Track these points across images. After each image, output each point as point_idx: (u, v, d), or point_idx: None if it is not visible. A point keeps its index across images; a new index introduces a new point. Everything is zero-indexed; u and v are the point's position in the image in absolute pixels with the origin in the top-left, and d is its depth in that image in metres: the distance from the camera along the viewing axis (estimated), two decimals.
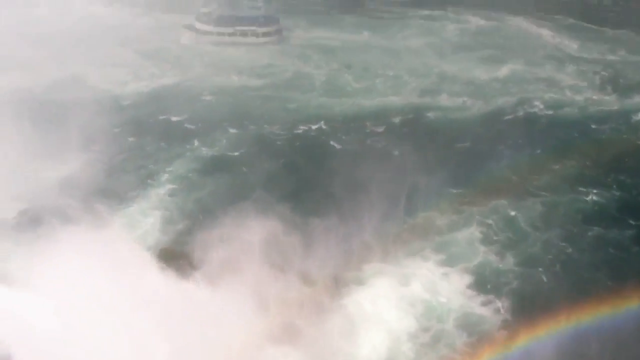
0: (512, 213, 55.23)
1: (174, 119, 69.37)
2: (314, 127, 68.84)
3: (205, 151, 64.17)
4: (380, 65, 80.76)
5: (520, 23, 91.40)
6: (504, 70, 79.91)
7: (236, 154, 64.31)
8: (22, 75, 72.62)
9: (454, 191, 58.64)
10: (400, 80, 77.64)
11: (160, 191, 57.70)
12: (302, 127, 68.87)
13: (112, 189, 56.81)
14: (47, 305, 37.63)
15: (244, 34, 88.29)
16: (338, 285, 48.72)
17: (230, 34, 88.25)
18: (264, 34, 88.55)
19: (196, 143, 65.31)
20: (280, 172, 60.92)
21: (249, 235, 49.41)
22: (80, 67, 76.11)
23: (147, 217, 54.36)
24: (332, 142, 66.88)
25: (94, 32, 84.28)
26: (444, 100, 73.86)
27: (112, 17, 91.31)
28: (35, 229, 48.84)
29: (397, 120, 69.86)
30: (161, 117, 69.22)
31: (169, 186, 58.48)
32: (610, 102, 72.86)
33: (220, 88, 75.88)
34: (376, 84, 76.89)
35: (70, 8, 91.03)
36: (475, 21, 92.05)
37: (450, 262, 49.50)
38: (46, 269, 40.47)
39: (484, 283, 47.81)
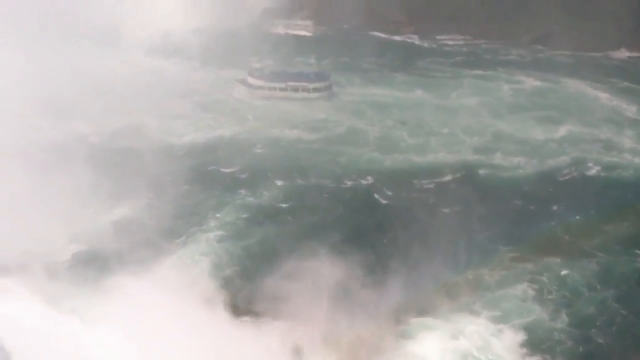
0: (566, 272, 54.53)
1: (226, 169, 71.08)
2: (363, 181, 69.56)
3: (255, 201, 65.45)
4: (435, 123, 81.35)
5: (575, 85, 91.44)
6: (560, 131, 79.68)
7: (284, 205, 65.36)
8: (85, 123, 75.96)
9: (505, 248, 58.30)
10: (454, 138, 78.20)
11: (210, 237, 59.07)
12: (351, 181, 69.58)
13: (165, 233, 58.41)
14: (118, 338, 38.49)
15: (295, 89, 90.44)
16: (387, 339, 48.45)
17: (281, 89, 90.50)
18: (315, 90, 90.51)
19: (246, 192, 66.71)
20: (328, 224, 61.61)
21: (294, 284, 50.13)
22: (140, 117, 79.01)
23: (197, 262, 55.67)
24: (381, 197, 67.43)
25: (155, 84, 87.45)
26: (499, 159, 73.91)
27: (171, 70, 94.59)
28: (91, 269, 50.26)
29: (449, 177, 70.19)
30: (214, 167, 71.08)
31: (219, 233, 59.79)
32: None
33: (274, 140, 77.64)
34: (430, 141, 77.38)
35: (133, 61, 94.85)
36: (530, 82, 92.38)
37: (502, 318, 48.89)
38: (107, 306, 41.48)
39: (538, 342, 46.94)
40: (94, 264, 52.28)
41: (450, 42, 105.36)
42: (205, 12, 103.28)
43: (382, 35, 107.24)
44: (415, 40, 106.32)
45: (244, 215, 62.64)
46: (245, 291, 51.84)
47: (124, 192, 61.49)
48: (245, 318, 46.28)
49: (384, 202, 66.61)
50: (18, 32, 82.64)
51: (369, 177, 70.10)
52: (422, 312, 50.78)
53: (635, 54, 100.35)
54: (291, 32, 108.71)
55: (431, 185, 68.74)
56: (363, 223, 62.41)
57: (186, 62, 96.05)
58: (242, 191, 66.72)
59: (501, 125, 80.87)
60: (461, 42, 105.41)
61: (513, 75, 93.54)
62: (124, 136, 74.25)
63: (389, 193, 67.84)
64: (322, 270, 52.17)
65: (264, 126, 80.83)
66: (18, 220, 54.20)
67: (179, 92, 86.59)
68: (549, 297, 51.65)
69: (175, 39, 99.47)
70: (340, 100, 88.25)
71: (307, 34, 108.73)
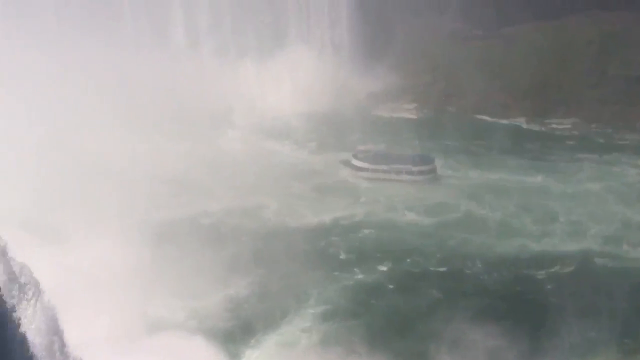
0: None
1: (336, 250, 71.92)
2: (471, 266, 68.39)
3: (362, 280, 65.76)
4: (558, 209, 79.03)
5: None
6: None
7: (391, 286, 65.30)
8: (205, 200, 78.91)
9: (626, 341, 55.68)
10: (578, 226, 75.56)
11: (317, 315, 59.54)
12: (459, 265, 68.51)
13: (271, 311, 59.37)
14: None
15: (398, 171, 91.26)
16: None
17: (384, 171, 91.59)
18: (419, 172, 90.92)
19: (354, 273, 67.19)
20: (432, 308, 60.76)
21: None
22: (259, 197, 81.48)
23: (303, 339, 56.05)
24: (488, 284, 65.82)
25: (266, 165, 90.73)
26: (627, 249, 70.91)
27: (279, 152, 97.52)
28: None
29: (570, 267, 67.79)
30: (324, 248, 72.13)
31: (325, 311, 60.28)
32: None
33: (385, 222, 77.82)
34: (552, 228, 75.14)
35: (245, 142, 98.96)
36: None
37: None
38: None
39: None
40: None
41: (559, 126, 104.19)
42: (311, 97, 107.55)
43: (488, 118, 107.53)
44: (523, 123, 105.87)
45: (351, 295, 62.97)
46: None
47: (236, 270, 63.40)
48: None
49: (491, 288, 64.86)
50: (145, 118, 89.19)
51: (477, 262, 68.80)
52: None
53: None
54: (395, 115, 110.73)
55: (545, 275, 66.59)
56: (466, 309, 60.21)
57: (293, 144, 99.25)
58: (351, 271, 67.33)
59: (630, 213, 77.81)
60: (570, 126, 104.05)
61: (635, 159, 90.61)
62: (241, 214, 76.80)
63: (497, 279, 66.19)
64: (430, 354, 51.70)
65: (377, 208, 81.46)
66: (130, 293, 56.54)
67: (289, 173, 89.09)
68: None
69: (283, 122, 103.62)
70: (450, 184, 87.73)
71: (412, 116, 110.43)
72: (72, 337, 28.94)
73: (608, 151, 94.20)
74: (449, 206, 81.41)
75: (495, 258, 69.73)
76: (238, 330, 55.75)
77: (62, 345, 26.88)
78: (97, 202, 69.84)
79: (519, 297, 63.63)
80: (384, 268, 68.25)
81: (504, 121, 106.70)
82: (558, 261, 68.66)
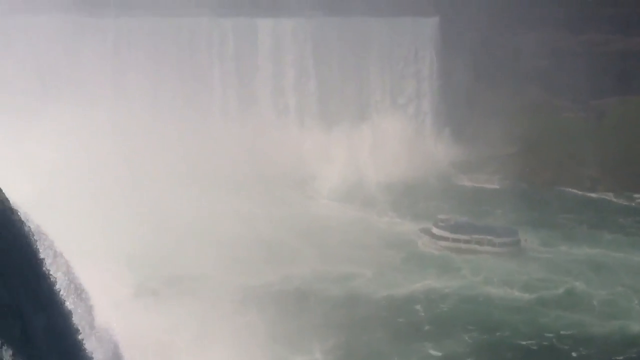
0: None
1: (421, 319, 71.24)
2: (564, 346, 65.87)
3: (447, 352, 64.74)
4: None
5: None
6: None
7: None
8: (289, 266, 79.54)
9: None
10: None
11: None
12: (549, 342, 66.27)
13: None
14: None
15: (479, 242, 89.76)
16: None
17: (465, 241, 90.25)
18: (501, 244, 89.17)
19: (432, 345, 66.14)
20: None
21: None
22: (347, 264, 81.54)
23: None
24: None
25: (358, 232, 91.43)
26: None
27: (359, 218, 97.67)
28: None
29: None
30: (410, 315, 71.64)
31: None
32: None
33: (476, 295, 76.40)
34: None
35: (336, 209, 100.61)
36: None
37: None
38: None
39: None
40: None
41: None
42: (394, 165, 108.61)
43: (575, 191, 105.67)
44: (611, 197, 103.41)
45: None
46: None
47: (319, 336, 63.75)
48: None
49: None
50: (232, 182, 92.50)
51: (570, 340, 66.35)
52: None
53: None
54: (478, 185, 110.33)
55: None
56: None
57: (376, 211, 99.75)
58: (428, 344, 66.15)
59: None
60: None
61: None
62: (324, 281, 77.04)
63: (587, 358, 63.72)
64: None
65: (467, 280, 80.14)
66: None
67: (373, 241, 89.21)
68: None
69: (365, 189, 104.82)
70: (539, 258, 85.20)
71: (495, 187, 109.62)
72: None
73: None
74: (546, 281, 78.55)
75: (590, 337, 67.18)
76: None
77: None
78: (184, 261, 72.19)
79: None
80: (469, 340, 66.95)
81: (592, 195, 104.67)
82: None
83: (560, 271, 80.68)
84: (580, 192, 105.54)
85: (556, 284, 77.48)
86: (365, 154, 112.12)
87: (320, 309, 69.31)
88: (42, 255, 21.06)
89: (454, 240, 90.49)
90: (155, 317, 60.11)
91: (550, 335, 67.54)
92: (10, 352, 15.82)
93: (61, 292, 22.37)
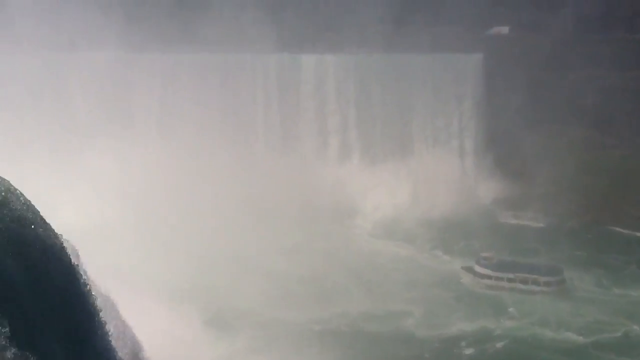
0: None
1: None
2: None
3: None
4: None
5: None
6: None
7: None
8: (337, 303, 79.24)
9: None
10: None
11: None
12: None
13: None
14: None
15: (524, 281, 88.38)
16: None
17: (509, 280, 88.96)
18: (546, 283, 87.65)
19: None
20: None
21: None
22: (395, 302, 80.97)
23: None
24: None
25: (402, 269, 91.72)
26: None
27: (397, 254, 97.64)
28: None
29: None
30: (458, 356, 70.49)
31: None
32: None
33: (528, 337, 74.60)
34: None
35: (378, 245, 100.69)
36: None
37: None
38: None
39: None
40: None
41: None
42: (435, 201, 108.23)
43: (623, 230, 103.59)
44: None
45: None
46: None
47: None
48: None
49: None
50: (272, 216, 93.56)
51: None
52: None
53: None
54: (521, 222, 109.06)
55: None
56: None
57: (414, 247, 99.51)
58: None
59: None
60: None
61: None
62: (380, 320, 76.42)
63: None
64: None
65: (517, 320, 78.45)
66: None
67: (418, 278, 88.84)
68: None
69: (407, 225, 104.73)
70: (588, 298, 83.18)
71: (539, 225, 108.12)
72: None
73: None
74: (601, 323, 76.08)
75: None
76: None
77: None
78: (235, 295, 72.88)
79: None
80: None
81: (639, 234, 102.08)
82: None
83: (616, 313, 78.29)
84: (626, 231, 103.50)
85: (613, 327, 75.06)
86: (407, 191, 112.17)
87: (370, 348, 68.96)
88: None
89: (497, 278, 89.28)
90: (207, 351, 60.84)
91: None
92: None
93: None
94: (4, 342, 13.69)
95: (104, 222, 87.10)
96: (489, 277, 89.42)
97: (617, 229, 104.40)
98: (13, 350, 13.90)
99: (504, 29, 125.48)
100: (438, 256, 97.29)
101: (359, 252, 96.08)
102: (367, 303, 79.65)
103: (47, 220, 19.13)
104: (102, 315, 21.22)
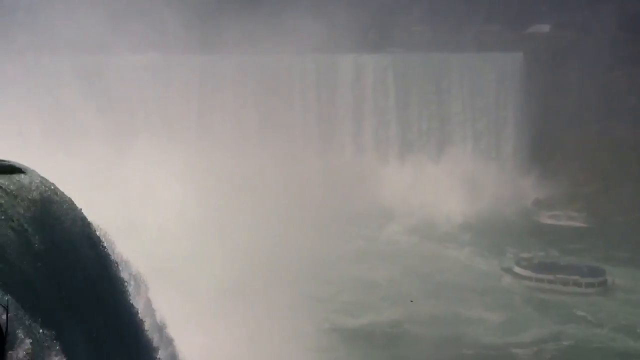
0: None
1: None
2: None
3: None
4: None
5: None
6: None
7: None
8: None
9: None
10: None
11: None
12: None
13: None
14: None
15: (564, 282, 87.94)
16: None
17: (549, 281, 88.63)
18: (587, 285, 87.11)
19: None
20: None
21: None
22: (448, 304, 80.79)
23: None
24: None
25: (447, 271, 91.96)
26: None
27: (449, 256, 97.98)
28: None
29: None
30: None
31: None
32: None
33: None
34: None
35: (417, 245, 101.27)
36: None
37: None
38: None
39: None
40: None
41: None
42: (476, 201, 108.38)
43: None
44: None
45: None
46: None
47: None
48: None
49: None
50: (312, 220, 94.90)
51: None
52: None
53: None
54: (563, 223, 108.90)
55: None
56: None
57: (453, 247, 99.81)
58: None
59: None
60: None
61: None
62: (436, 324, 75.94)
63: None
64: None
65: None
66: None
67: (463, 281, 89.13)
68: None
69: (445, 226, 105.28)
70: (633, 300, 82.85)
71: (580, 225, 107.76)
72: None
73: None
74: None
75: None
76: None
77: None
78: (266, 299, 74.23)
79: None
80: None
81: None
82: None
83: None
84: None
85: None
86: (447, 192, 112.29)
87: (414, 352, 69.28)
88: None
89: (537, 280, 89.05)
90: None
91: None
92: None
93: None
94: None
95: (141, 221, 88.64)
96: (529, 279, 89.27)
97: None
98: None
99: (545, 27, 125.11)
100: (478, 257, 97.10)
101: (401, 253, 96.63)
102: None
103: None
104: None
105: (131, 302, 22.31)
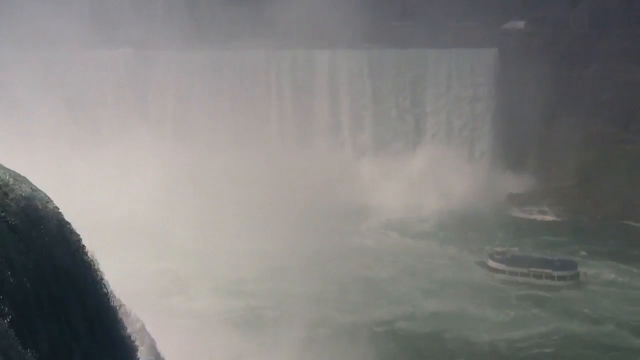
0: None
1: None
2: None
3: None
4: None
5: None
6: None
7: None
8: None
9: None
10: None
11: None
12: None
13: None
14: None
15: (537, 275, 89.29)
16: None
17: (522, 274, 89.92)
18: (560, 278, 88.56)
19: None
20: None
21: None
22: (428, 301, 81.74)
23: None
24: None
25: (414, 264, 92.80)
26: None
27: (425, 250, 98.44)
28: None
29: None
30: None
31: None
32: None
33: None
34: None
35: (392, 240, 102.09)
36: None
37: None
38: None
39: None
40: None
41: None
42: (448, 196, 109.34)
43: (637, 224, 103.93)
44: None
45: None
46: None
47: None
48: None
49: None
50: (289, 215, 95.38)
51: None
52: None
53: None
54: (537, 217, 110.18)
55: None
56: None
57: (428, 242, 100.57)
58: None
59: None
60: None
61: None
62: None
63: None
64: None
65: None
66: None
67: (440, 275, 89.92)
68: None
69: (418, 221, 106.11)
70: (610, 293, 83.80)
71: (554, 219, 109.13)
72: None
73: None
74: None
75: None
76: None
77: None
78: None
79: None
80: None
81: None
82: None
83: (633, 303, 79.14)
84: None
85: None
86: (420, 186, 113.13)
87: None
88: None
89: (511, 273, 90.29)
90: None
91: None
92: None
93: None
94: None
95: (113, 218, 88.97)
96: (502, 272, 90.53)
97: (631, 223, 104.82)
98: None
99: (520, 24, 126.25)
100: (453, 251, 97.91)
101: (378, 248, 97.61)
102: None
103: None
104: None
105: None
